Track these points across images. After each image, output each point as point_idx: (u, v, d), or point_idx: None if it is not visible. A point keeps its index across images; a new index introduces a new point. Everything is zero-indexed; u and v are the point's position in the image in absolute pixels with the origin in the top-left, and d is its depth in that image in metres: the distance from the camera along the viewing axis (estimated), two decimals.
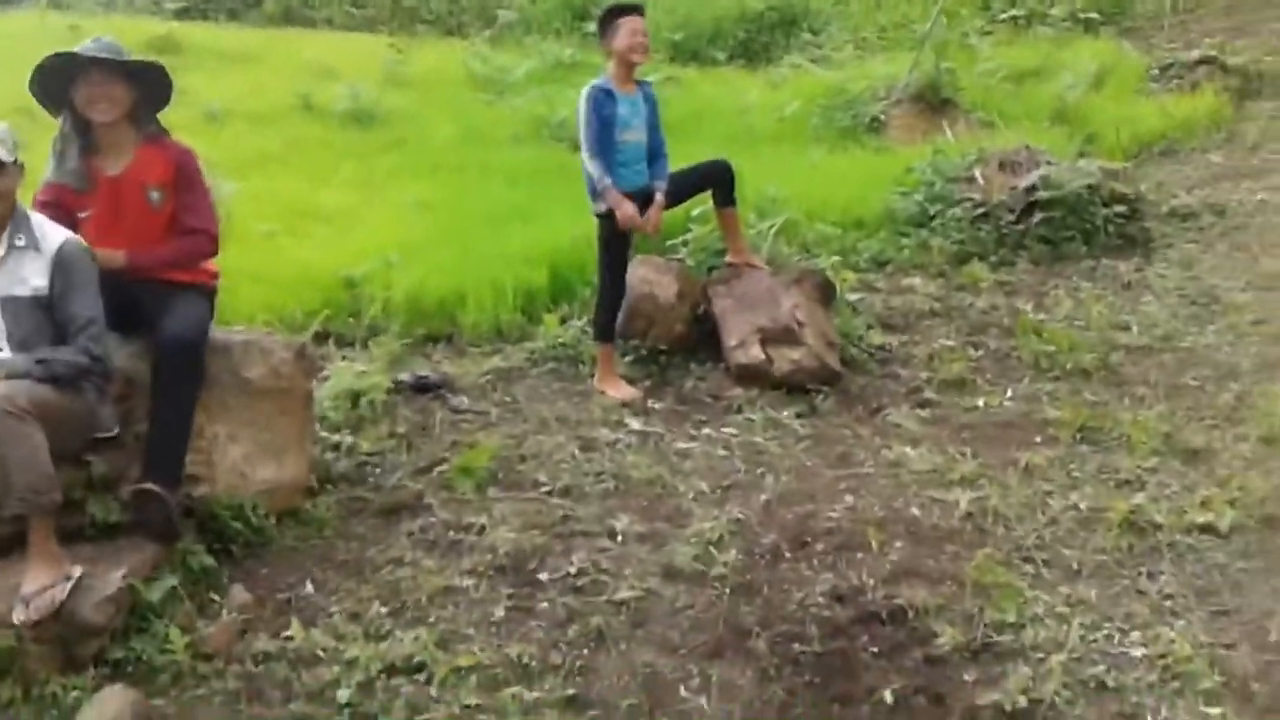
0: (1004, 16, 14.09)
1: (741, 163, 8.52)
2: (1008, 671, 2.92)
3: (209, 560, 3.66)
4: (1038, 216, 6.97)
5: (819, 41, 13.28)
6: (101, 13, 13.98)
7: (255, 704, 3.06)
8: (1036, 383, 4.95)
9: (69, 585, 3.14)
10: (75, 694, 3.08)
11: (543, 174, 8.21)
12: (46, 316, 3.43)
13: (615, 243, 5.14)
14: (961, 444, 4.39)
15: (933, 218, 7.23)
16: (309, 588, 3.65)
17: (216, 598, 3.56)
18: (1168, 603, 3.22)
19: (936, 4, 10.88)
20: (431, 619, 3.39)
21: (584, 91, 5.10)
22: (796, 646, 3.10)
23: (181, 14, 14.29)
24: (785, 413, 4.85)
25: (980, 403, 4.80)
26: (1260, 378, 4.76)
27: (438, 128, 9.63)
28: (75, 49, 3.69)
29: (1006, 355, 5.29)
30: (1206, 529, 3.57)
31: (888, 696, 2.84)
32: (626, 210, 5.00)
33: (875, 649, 3.07)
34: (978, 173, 7.41)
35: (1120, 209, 7.08)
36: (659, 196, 5.16)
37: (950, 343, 5.45)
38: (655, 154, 5.27)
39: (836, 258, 6.62)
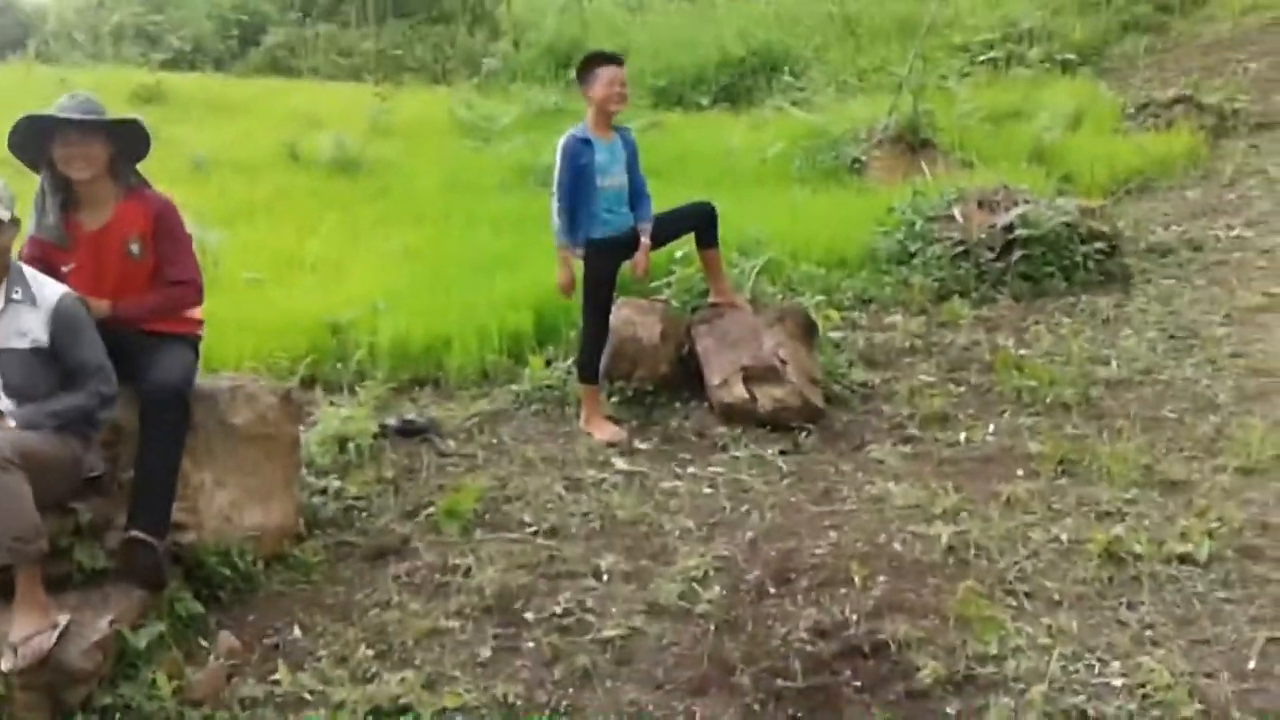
0: (983, 59, 14.36)
1: (725, 204, 8.64)
2: (989, 703, 2.94)
3: (196, 607, 3.67)
4: (1017, 254, 7.06)
5: (800, 85, 13.47)
6: (89, 64, 14.13)
7: None
8: (1017, 417, 5.00)
9: (55, 633, 3.15)
10: None
11: (527, 220, 8.27)
12: (42, 367, 3.46)
13: (600, 284, 5.20)
14: (943, 478, 4.42)
15: (913, 255, 7.33)
16: (296, 632, 3.66)
17: (204, 643, 3.57)
18: (1148, 632, 3.24)
19: (913, 49, 11.05)
20: (418, 661, 3.40)
21: (561, 140, 5.18)
22: (780, 682, 3.11)
23: (168, 64, 14.45)
24: (769, 450, 4.89)
25: (962, 437, 4.84)
26: (1238, 409, 4.82)
27: (423, 176, 9.74)
28: (53, 108, 3.75)
29: (987, 390, 5.34)
30: (1185, 559, 3.59)
31: None
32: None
33: (858, 683, 3.09)
34: (957, 211, 7.51)
35: (1099, 245, 7.19)
36: (645, 240, 5.23)
37: (931, 379, 5.51)
38: (638, 196, 5.35)
39: (820, 296, 6.70)
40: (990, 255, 7.14)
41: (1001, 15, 15.28)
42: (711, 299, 5.59)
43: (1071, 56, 13.98)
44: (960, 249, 7.21)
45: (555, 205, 5.15)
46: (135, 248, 3.86)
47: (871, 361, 5.81)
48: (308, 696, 3.24)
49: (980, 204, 7.58)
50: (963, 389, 5.40)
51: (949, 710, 2.95)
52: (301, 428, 5.19)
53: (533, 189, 9.36)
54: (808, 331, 5.45)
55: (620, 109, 5.26)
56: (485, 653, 3.42)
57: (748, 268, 6.35)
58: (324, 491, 4.65)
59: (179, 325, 4.01)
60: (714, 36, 15.10)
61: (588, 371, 5.23)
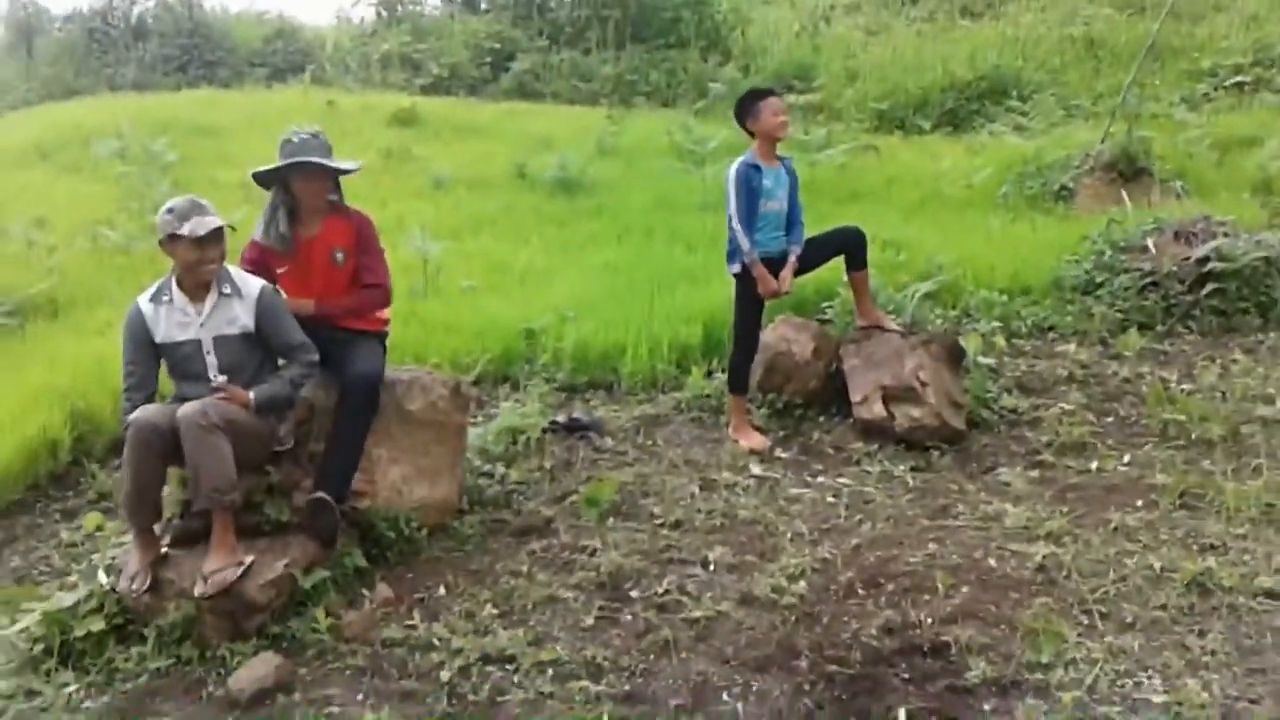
0: (1229, 84, 13.67)
1: (920, 229, 8.90)
2: (1026, 705, 3.13)
3: (362, 561, 4.31)
4: (1209, 288, 6.89)
5: (1024, 109, 13.25)
6: (358, 89, 15.67)
7: (375, 678, 3.64)
8: (1156, 450, 5.00)
9: (240, 569, 3.85)
10: (239, 658, 3.76)
11: (720, 239, 8.69)
12: (249, 349, 4.19)
13: (750, 300, 5.57)
14: (1061, 503, 4.53)
15: (1099, 286, 7.26)
16: (442, 590, 4.24)
17: (366, 593, 4.19)
18: (1206, 658, 3.31)
19: (1130, 74, 10.74)
20: (531, 622, 3.90)
21: (733, 166, 5.58)
22: (835, 668, 3.40)
23: (427, 89, 15.81)
24: (901, 466, 5.11)
25: (1093, 466, 4.90)
26: None
27: (635, 195, 10.35)
28: (288, 134, 4.49)
29: (1134, 422, 5.34)
30: (1271, 593, 3.60)
31: (901, 715, 3.12)
32: (770, 285, 5.46)
33: (907, 676, 3.33)
34: (1150, 243, 7.38)
35: None
36: (792, 259, 5.56)
37: (1081, 408, 5.53)
38: (793, 222, 5.68)
39: (996, 323, 6.80)
40: (1180, 288, 7.00)
41: (1256, 39, 14.47)
42: (858, 321, 5.84)
43: None
44: (1149, 281, 7.09)
45: (735, 226, 5.50)
46: (339, 256, 4.58)
47: (1027, 389, 5.88)
48: (435, 642, 3.79)
49: (1177, 235, 7.41)
50: (1109, 420, 5.41)
51: (985, 708, 3.15)
52: (481, 418, 5.90)
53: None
54: (953, 356, 5.60)
55: (785, 137, 5.60)
56: (589, 621, 3.87)
57: (911, 292, 6.53)
58: (490, 475, 5.25)
59: (370, 324, 4.70)
60: (943, 59, 15.05)
61: (736, 382, 5.61)
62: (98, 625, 3.89)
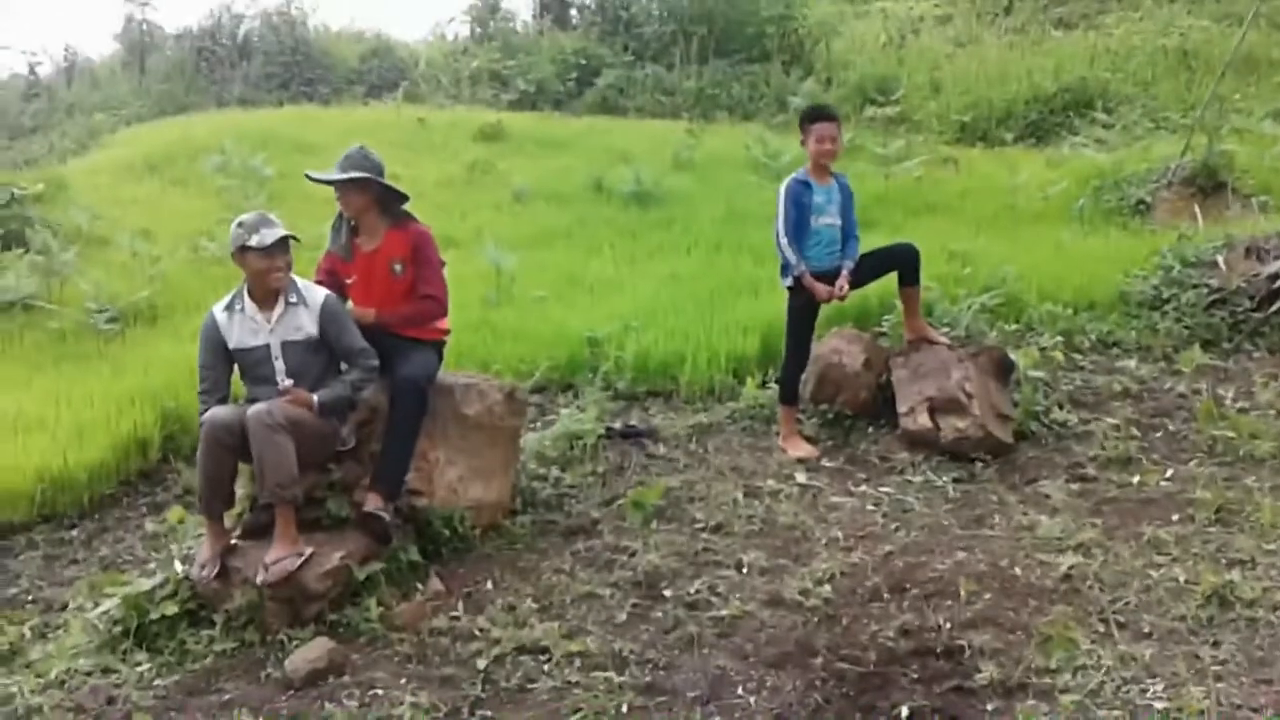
0: None
1: (990, 241, 8.90)
2: (1026, 706, 3.23)
3: (416, 556, 4.57)
4: (1278, 304, 6.81)
5: (1110, 121, 13.07)
6: (448, 105, 16.16)
7: (419, 664, 3.89)
8: (1201, 465, 5.01)
9: (300, 560, 4.14)
10: (297, 643, 4.05)
11: None
12: (314, 355, 4.49)
13: (800, 314, 5.72)
14: (1096, 516, 4.58)
15: (1166, 301, 7.21)
16: (489, 585, 4.48)
17: (419, 586, 4.45)
18: (1217, 667, 3.35)
19: (1211, 86, 10.56)
20: (567, 616, 4.12)
21: (785, 182, 5.76)
22: (848, 666, 3.53)
23: (514, 104, 16.22)
24: (944, 477, 5.21)
25: (1135, 480, 4.93)
26: None
27: (707, 208, 10.52)
28: (346, 153, 4.80)
29: (1183, 438, 5.34)
30: None
31: (904, 712, 3.24)
32: (820, 292, 5.61)
33: (917, 676, 3.45)
34: (1220, 258, 7.32)
35: None
36: (845, 272, 5.68)
37: (1130, 423, 5.54)
38: (848, 237, 5.81)
39: (1059, 337, 6.81)
40: (1249, 305, 6.92)
41: None
42: (906, 336, 5.92)
43: None
44: (1216, 297, 7.04)
45: (783, 241, 5.68)
46: (398, 267, 4.86)
47: (1079, 403, 5.90)
48: (477, 633, 4.03)
49: (1248, 252, 7.34)
50: (1158, 435, 5.43)
51: (988, 708, 3.26)
52: (540, 424, 6.14)
53: None
54: (1002, 369, 5.67)
55: (830, 160, 5.74)
56: (621, 616, 4.07)
57: (968, 305, 6.59)
58: (544, 478, 5.48)
59: (428, 333, 4.97)
60: (1028, 71, 14.91)
61: (786, 392, 5.76)
62: (171, 610, 4.21)
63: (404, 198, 4.90)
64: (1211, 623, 3.65)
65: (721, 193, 10.99)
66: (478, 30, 19.47)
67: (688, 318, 7.35)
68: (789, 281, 5.72)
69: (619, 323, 7.26)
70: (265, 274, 4.31)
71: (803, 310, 5.72)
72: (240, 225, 4.31)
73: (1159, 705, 3.18)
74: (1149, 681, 3.33)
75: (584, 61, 17.08)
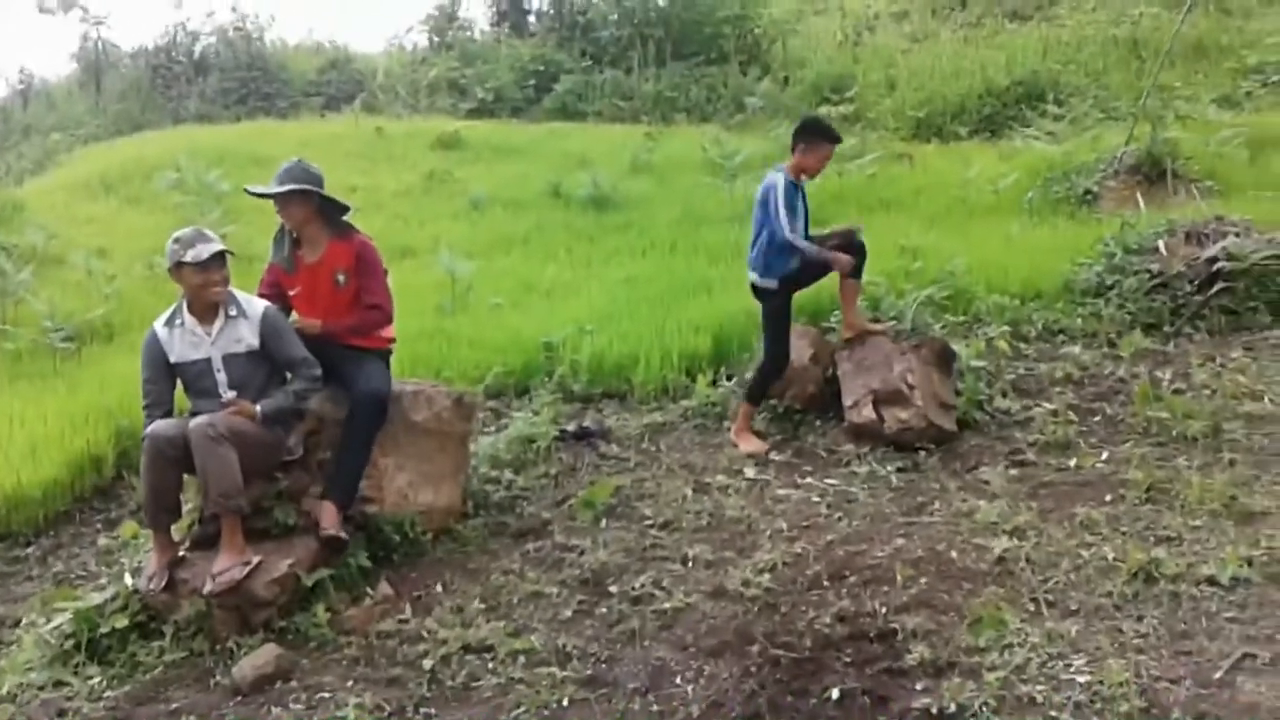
0: (1274, 79, 13.52)
1: (941, 235, 9.01)
2: (953, 684, 3.31)
3: (366, 562, 4.61)
4: (1217, 287, 6.95)
5: (1061, 113, 13.24)
6: (406, 115, 16.18)
7: (366, 667, 3.95)
8: (1138, 447, 5.11)
9: (246, 569, 4.18)
10: (246, 650, 4.09)
11: (743, 251, 8.93)
12: (255, 366, 4.53)
13: (783, 313, 5.78)
14: (1033, 499, 4.68)
15: (1109, 288, 7.34)
16: (438, 588, 4.54)
17: (369, 590, 4.50)
18: (1138, 641, 3.45)
19: (1152, 75, 10.75)
20: (515, 615, 4.18)
21: (778, 183, 5.65)
22: (784, 653, 3.61)
23: (473, 113, 16.26)
24: (888, 468, 5.29)
25: (1072, 464, 5.03)
26: None
27: (664, 210, 10.61)
28: (281, 167, 4.85)
29: (1121, 421, 5.45)
30: (1212, 581, 3.73)
31: (835, 694, 3.33)
32: (843, 261, 5.65)
33: (850, 660, 3.53)
34: (1161, 244, 7.45)
35: None
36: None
37: (1070, 408, 5.65)
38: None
39: (1006, 327, 6.92)
40: (1189, 289, 7.06)
41: None
42: (844, 333, 6.00)
43: None
44: (1158, 282, 7.17)
45: (789, 235, 5.58)
46: (341, 278, 4.91)
47: (1022, 390, 6.01)
48: (424, 634, 4.09)
49: (1188, 236, 7.48)
50: (1097, 419, 5.53)
51: (916, 687, 3.34)
52: (494, 429, 6.20)
53: None
54: (944, 360, 5.76)
55: (807, 179, 5.83)
56: (567, 613, 4.14)
57: (912, 299, 6.69)
58: (497, 481, 5.54)
59: (374, 341, 5.02)
60: (981, 66, 15.09)
61: (757, 392, 5.82)
62: (121, 622, 4.25)
63: (345, 209, 4.94)
64: (1136, 598, 3.74)
65: (678, 194, 11.09)
66: (435, 40, 19.51)
67: (642, 319, 7.43)
68: (772, 283, 5.73)
69: (574, 326, 7.33)
70: (202, 289, 4.35)
71: (784, 310, 5.78)
72: (176, 241, 4.36)
73: (1081, 679, 3.27)
74: (1073, 657, 3.42)
75: (542, 68, 17.15)
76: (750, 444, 5.74)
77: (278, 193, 4.77)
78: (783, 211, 5.60)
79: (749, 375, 6.08)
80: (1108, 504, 4.54)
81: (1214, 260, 7.08)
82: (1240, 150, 10.27)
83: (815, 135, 5.76)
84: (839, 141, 5.90)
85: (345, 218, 4.98)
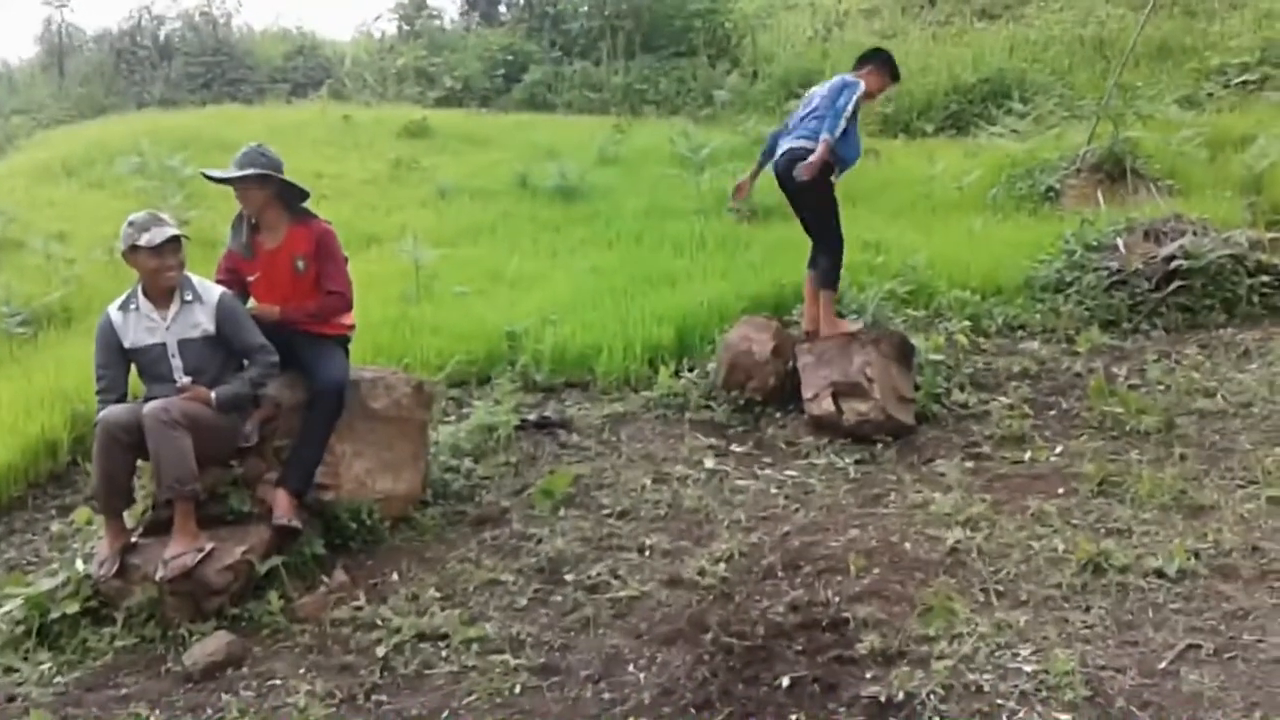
0: (1238, 81, 13.69)
1: (904, 230, 9.08)
2: (902, 672, 3.35)
3: (321, 550, 4.60)
4: (1174, 285, 7.05)
5: (1026, 110, 13.35)
6: (374, 102, 16.07)
7: (319, 654, 3.93)
8: (1092, 441, 5.18)
9: (199, 555, 4.15)
10: (198, 637, 4.06)
11: (708, 243, 8.98)
12: (211, 351, 4.49)
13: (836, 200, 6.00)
14: (988, 492, 4.73)
15: (1069, 284, 7.43)
16: (394, 576, 4.52)
17: (325, 578, 4.48)
18: (1086, 631, 3.50)
19: (1113, 74, 10.86)
20: (470, 603, 4.17)
21: (854, 83, 5.84)
22: (737, 641, 3.63)
23: (441, 101, 16.17)
24: (846, 460, 5.33)
25: (1026, 457, 5.09)
26: None
27: (630, 201, 10.60)
28: (240, 151, 4.81)
29: (1075, 415, 5.52)
30: (1159, 573, 3.79)
31: (785, 682, 3.35)
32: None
33: (801, 648, 3.56)
34: (1120, 242, 7.54)
35: (1265, 279, 7.05)
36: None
37: (1027, 402, 5.71)
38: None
39: (967, 322, 6.99)
40: (1147, 286, 7.15)
41: (1266, 36, 14.46)
42: (806, 326, 6.05)
43: None
44: (1116, 279, 7.26)
45: (835, 133, 5.69)
46: (300, 264, 4.87)
47: (980, 384, 6.07)
48: (378, 622, 4.08)
49: (1147, 234, 7.58)
50: (1052, 413, 5.61)
51: (866, 676, 3.37)
52: (455, 417, 6.18)
53: (724, 215, 10.04)
54: (903, 353, 5.81)
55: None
56: (522, 601, 4.14)
57: (873, 293, 6.74)
58: (457, 470, 5.52)
59: (333, 328, 4.98)
60: (949, 63, 15.19)
61: (833, 278, 6.03)
62: (73, 608, 4.21)
63: (304, 194, 4.91)
64: (1085, 589, 3.80)
65: (646, 186, 11.08)
66: (404, 28, 19.38)
67: (606, 310, 7.43)
68: (836, 177, 5.92)
69: (538, 316, 7.32)
70: (156, 273, 4.32)
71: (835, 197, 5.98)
72: (131, 224, 4.32)
73: (1028, 669, 3.31)
74: (1021, 647, 3.46)
75: (511, 58, 17.08)
76: (845, 325, 6.01)
77: (236, 177, 4.73)
78: (847, 113, 5.74)
79: (820, 266, 6.07)
80: (1060, 496, 4.60)
81: (1171, 259, 7.19)
82: (1200, 150, 10.40)
83: (885, 65, 6.08)
84: (898, 82, 6.30)
85: (304, 204, 4.93)
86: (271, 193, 4.77)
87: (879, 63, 6.04)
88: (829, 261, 6.00)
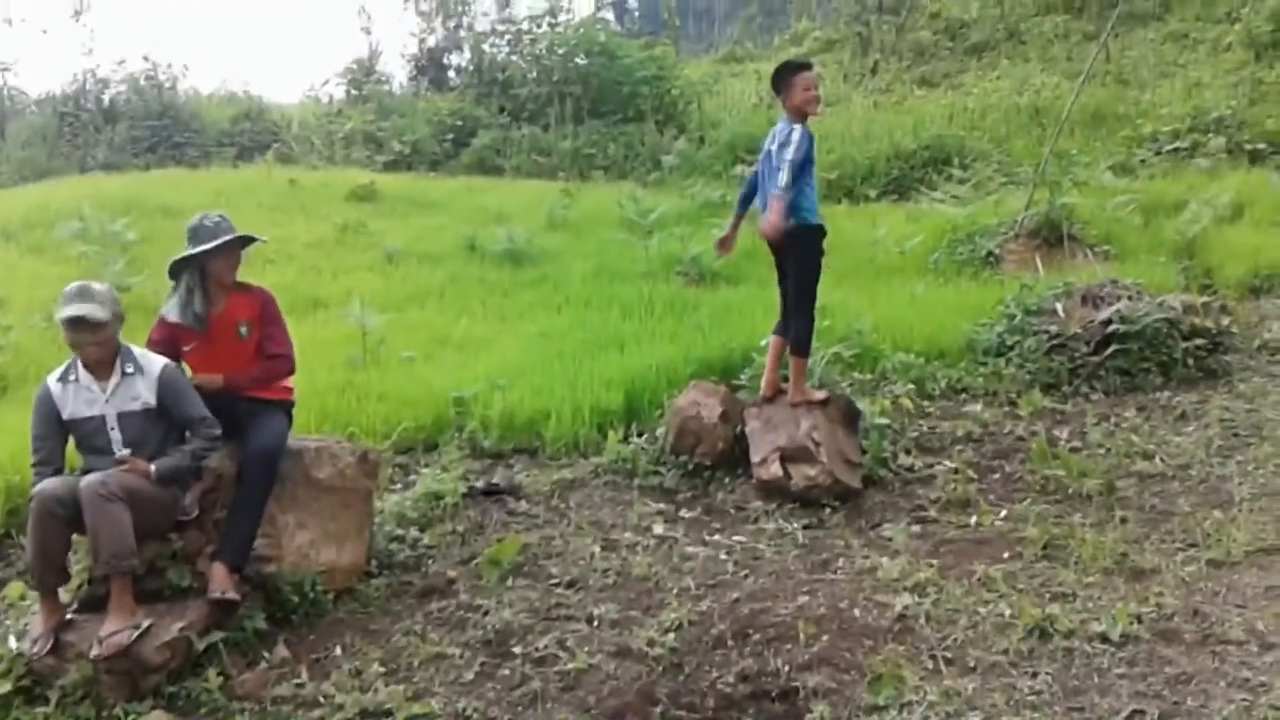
0: (1169, 148, 14.14)
1: (848, 294, 9.20)
2: None
3: (263, 624, 4.50)
4: (1112, 348, 7.19)
5: (965, 177, 13.68)
6: (322, 165, 16.07)
7: None
8: (1035, 505, 5.24)
9: (135, 632, 4.04)
10: (134, 717, 3.94)
11: (656, 307, 9.03)
12: (151, 424, 4.41)
13: (818, 268, 5.84)
14: (934, 556, 4.76)
15: (1010, 348, 7.56)
16: (338, 650, 4.43)
17: (266, 654, 4.38)
18: (1033, 698, 3.51)
19: (1049, 142, 11.18)
20: (415, 678, 4.10)
21: (798, 128, 5.55)
22: (687, 714, 3.60)
23: (390, 165, 16.22)
24: (795, 524, 5.34)
25: (972, 521, 5.13)
26: (1253, 506, 4.90)
27: (578, 265, 10.67)
28: (195, 221, 4.75)
29: (1019, 478, 5.59)
30: (1104, 638, 3.83)
31: None
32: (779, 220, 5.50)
33: (751, 719, 3.54)
34: (1059, 306, 7.70)
35: (1199, 342, 7.22)
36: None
37: (971, 465, 5.78)
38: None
39: (910, 385, 7.07)
40: (1086, 349, 7.29)
41: (1195, 105, 15.00)
42: (765, 391, 6.06)
43: (1262, 146, 13.58)
44: (1056, 343, 7.40)
45: (786, 179, 5.43)
46: (244, 330, 4.83)
47: (925, 448, 6.13)
48: (321, 699, 3.99)
49: (1084, 299, 7.75)
50: (996, 476, 5.67)
51: None
52: (401, 485, 6.12)
53: (673, 279, 10.13)
54: (849, 417, 5.86)
55: (817, 113, 5.74)
56: (469, 675, 4.07)
57: (820, 357, 6.80)
58: (403, 539, 5.44)
59: (275, 393, 4.94)
60: (890, 130, 15.55)
61: (803, 346, 5.86)
62: (5, 687, 4.07)
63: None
64: (1031, 655, 3.82)
65: (594, 250, 11.17)
66: (353, 93, 19.46)
67: (555, 374, 7.43)
68: (815, 219, 5.75)
69: (487, 381, 7.29)
70: (74, 347, 4.26)
71: (819, 264, 5.84)
72: (64, 294, 4.25)
73: None
74: (969, 714, 3.47)
75: (460, 123, 17.21)
76: (814, 394, 5.88)
77: (226, 242, 4.69)
78: (800, 153, 5.47)
79: (793, 333, 5.89)
80: (1005, 561, 4.64)
81: (1109, 323, 7.36)
82: (1134, 216, 10.74)
83: (785, 73, 5.71)
84: (809, 67, 5.80)
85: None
86: (238, 260, 4.76)
87: (779, 82, 5.74)
88: (805, 329, 5.86)
